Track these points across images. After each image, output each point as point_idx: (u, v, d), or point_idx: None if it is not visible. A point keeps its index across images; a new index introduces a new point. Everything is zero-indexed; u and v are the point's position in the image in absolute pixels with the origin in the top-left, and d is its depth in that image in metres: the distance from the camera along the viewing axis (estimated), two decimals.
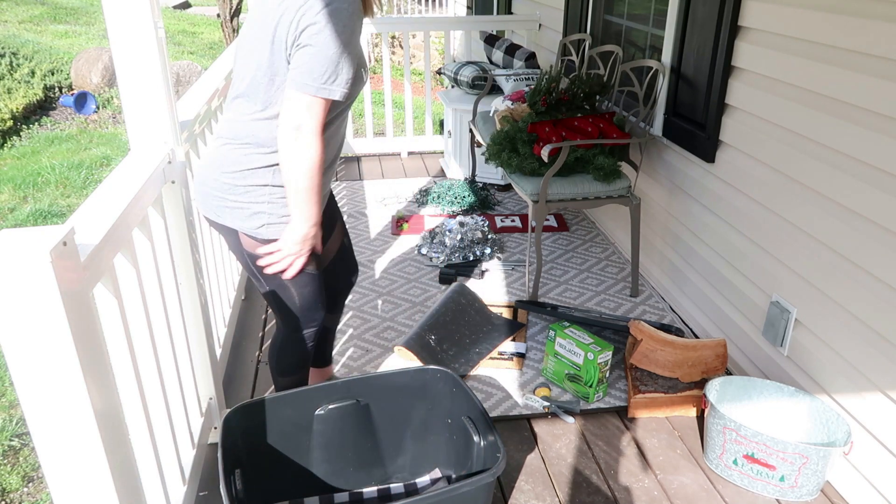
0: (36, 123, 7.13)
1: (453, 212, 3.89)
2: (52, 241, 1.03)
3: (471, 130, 4.00)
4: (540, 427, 2.26)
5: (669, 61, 2.83)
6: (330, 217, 1.98)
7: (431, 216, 3.84)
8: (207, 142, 2.41)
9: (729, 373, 2.55)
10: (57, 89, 7.89)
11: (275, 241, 1.72)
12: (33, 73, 7.98)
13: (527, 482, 2.03)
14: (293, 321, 1.88)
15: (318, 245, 1.75)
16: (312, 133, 1.56)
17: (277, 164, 1.65)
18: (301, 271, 1.75)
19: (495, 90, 4.28)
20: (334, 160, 1.77)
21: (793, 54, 2.13)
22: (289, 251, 1.69)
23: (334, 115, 1.67)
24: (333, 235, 2.03)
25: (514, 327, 2.75)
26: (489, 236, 3.46)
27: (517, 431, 2.24)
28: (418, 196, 4.12)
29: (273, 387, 2.09)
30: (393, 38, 10.19)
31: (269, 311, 2.92)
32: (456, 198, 3.99)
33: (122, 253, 1.44)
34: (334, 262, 2.07)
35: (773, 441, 1.92)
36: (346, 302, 2.86)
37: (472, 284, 3.13)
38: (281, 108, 1.58)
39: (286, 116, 1.56)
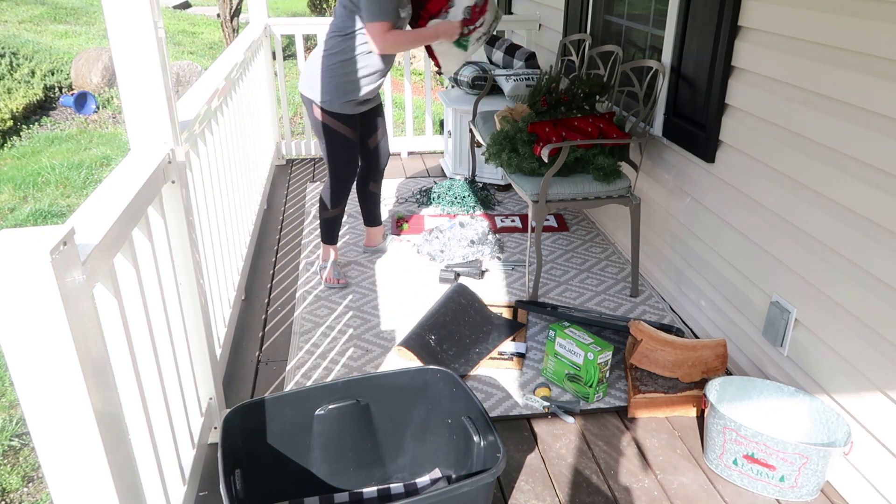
0: (36, 123, 7.13)
1: (453, 212, 3.89)
2: (52, 241, 1.03)
3: (471, 130, 4.00)
4: (540, 427, 2.26)
5: (669, 61, 2.83)
6: (372, 119, 3.01)
7: (431, 216, 3.84)
8: (207, 142, 2.41)
9: (729, 373, 2.55)
10: (57, 89, 7.89)
11: (336, 113, 2.75)
12: (33, 73, 7.99)
13: (527, 482, 2.03)
14: (334, 174, 2.89)
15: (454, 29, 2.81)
16: (382, 37, 2.63)
17: (342, 62, 2.70)
18: (340, 140, 2.80)
19: (495, 90, 4.28)
20: (387, 69, 2.81)
21: (793, 54, 2.13)
22: (446, 32, 2.81)
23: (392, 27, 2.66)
24: (374, 134, 3.05)
25: (514, 327, 2.75)
26: (489, 236, 3.46)
27: (517, 431, 2.24)
28: (418, 196, 4.12)
29: (272, 387, 2.09)
30: None
31: (269, 310, 2.92)
32: (456, 198, 3.99)
33: (122, 253, 1.44)
34: (376, 148, 3.10)
35: (773, 441, 1.92)
36: (347, 302, 2.98)
37: (472, 284, 3.13)
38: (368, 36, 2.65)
39: (370, 38, 2.64)
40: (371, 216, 3.32)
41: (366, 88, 2.78)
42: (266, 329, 2.80)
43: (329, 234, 3.09)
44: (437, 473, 1.99)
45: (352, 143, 2.83)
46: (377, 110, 3.03)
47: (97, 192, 1.46)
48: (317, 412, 1.91)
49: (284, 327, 2.80)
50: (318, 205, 3.04)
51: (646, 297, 3.05)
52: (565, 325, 2.41)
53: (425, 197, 4.05)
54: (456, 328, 2.67)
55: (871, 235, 1.86)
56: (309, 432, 1.93)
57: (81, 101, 7.51)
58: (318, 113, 2.76)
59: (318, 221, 3.10)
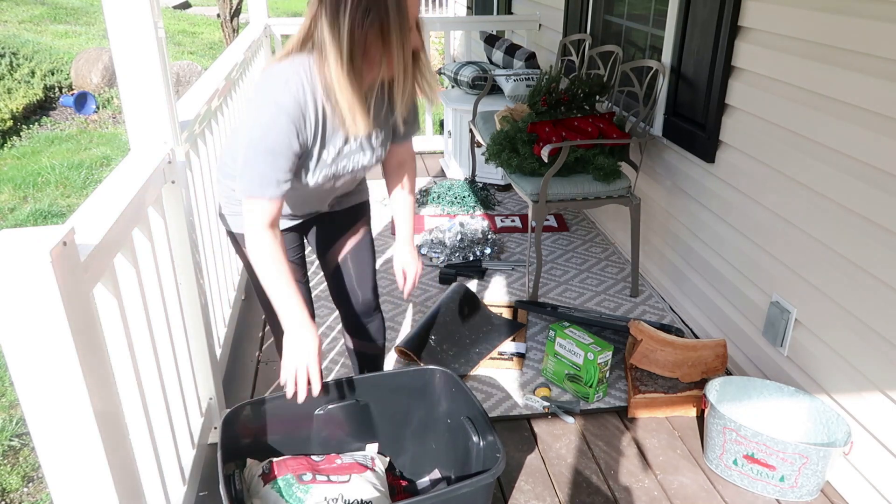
0: (36, 123, 7.13)
1: (453, 212, 3.89)
2: (52, 241, 1.03)
3: (471, 130, 3.99)
4: (540, 427, 2.26)
5: (669, 61, 2.83)
6: (336, 228, 1.88)
7: (431, 216, 3.84)
8: (207, 142, 2.41)
9: (729, 373, 2.55)
10: (57, 89, 7.89)
11: (229, 232, 1.77)
12: (33, 73, 7.98)
13: (527, 482, 2.03)
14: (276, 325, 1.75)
15: (313, 361, 1.53)
16: (255, 228, 1.48)
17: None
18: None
19: (495, 90, 4.28)
20: (308, 200, 1.71)
21: (793, 54, 2.13)
22: (287, 365, 1.52)
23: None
24: (334, 248, 1.89)
25: (514, 327, 2.75)
26: (489, 236, 3.46)
27: (517, 431, 2.24)
28: (418, 196, 4.12)
29: (273, 387, 2.09)
30: None
31: None
32: (456, 198, 3.99)
33: (122, 253, 1.44)
34: (340, 278, 1.92)
35: (773, 441, 1.92)
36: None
37: (472, 284, 3.13)
38: None
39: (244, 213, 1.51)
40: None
41: (307, 207, 1.76)
42: (266, 329, 2.80)
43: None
44: (436, 474, 1.99)
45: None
46: (351, 212, 1.87)
47: (97, 192, 1.46)
48: (316, 412, 1.91)
49: None
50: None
51: (646, 297, 3.05)
52: (565, 325, 2.41)
53: (425, 197, 4.05)
54: (456, 328, 2.67)
55: (871, 235, 1.86)
56: (309, 432, 1.93)
57: (81, 101, 7.51)
58: (231, 241, 1.81)
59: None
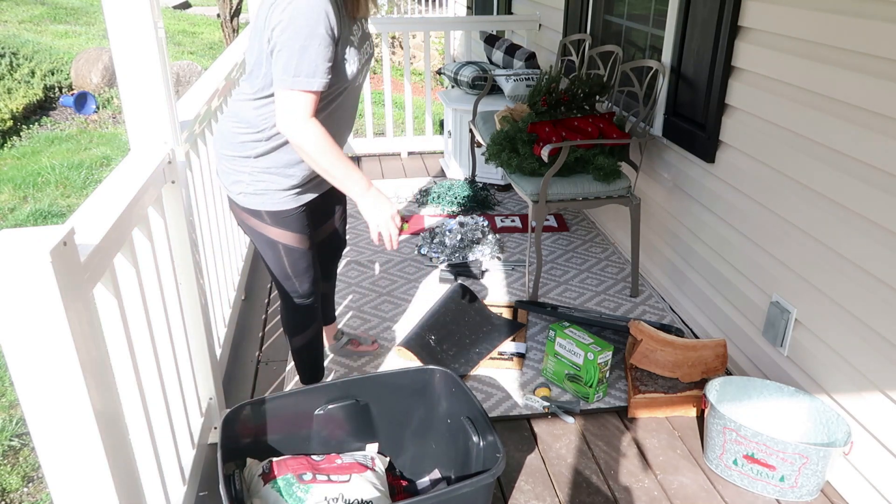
0: (36, 123, 7.13)
1: (453, 212, 3.89)
2: (52, 241, 1.03)
3: (471, 130, 4.00)
4: (540, 427, 2.26)
5: (669, 61, 2.83)
6: (329, 201, 2.10)
7: (431, 216, 3.84)
8: (208, 142, 2.41)
9: (729, 373, 2.55)
10: (57, 89, 7.89)
11: (253, 210, 1.83)
12: (33, 73, 7.99)
13: (527, 482, 2.03)
14: (286, 287, 1.99)
15: (394, 213, 1.79)
16: (304, 122, 1.63)
17: (259, 142, 1.77)
18: (278, 249, 1.88)
19: (495, 90, 4.28)
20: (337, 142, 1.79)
21: (793, 54, 2.13)
22: (375, 223, 1.77)
23: (326, 102, 1.73)
24: (330, 221, 2.18)
25: (514, 327, 2.75)
26: (489, 236, 3.46)
27: (517, 431, 2.24)
28: (418, 196, 4.12)
29: (273, 387, 2.09)
30: (393, 38, 10.19)
31: (269, 310, 2.92)
32: (456, 198, 3.99)
33: (122, 253, 1.44)
34: (327, 240, 2.23)
35: (773, 441, 1.92)
36: (347, 302, 2.97)
37: (472, 284, 3.13)
38: (276, 106, 1.67)
39: (279, 113, 1.65)
40: (324, 314, 2.44)
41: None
42: (266, 329, 2.80)
43: (314, 366, 2.22)
44: (436, 474, 1.99)
45: (303, 252, 1.93)
46: (330, 190, 2.00)
47: (97, 192, 1.46)
48: (316, 412, 1.91)
49: None
50: (284, 326, 2.15)
51: (646, 297, 3.05)
52: (565, 325, 2.41)
53: (425, 197, 4.06)
54: (456, 328, 2.67)
55: (872, 235, 1.86)
56: (309, 432, 1.93)
57: (81, 101, 7.51)
58: (242, 216, 1.88)
59: (294, 355, 2.19)
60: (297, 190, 1.85)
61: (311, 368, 2.22)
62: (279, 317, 2.61)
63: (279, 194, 1.82)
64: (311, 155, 1.67)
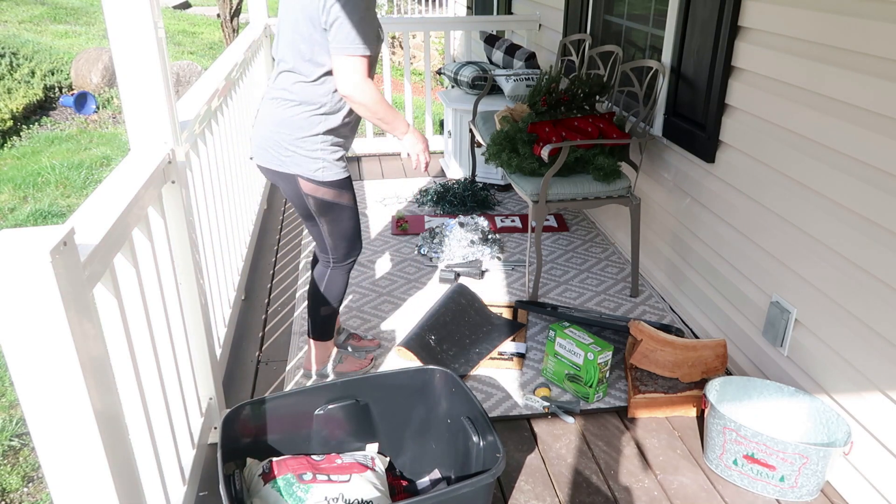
0: (36, 123, 7.13)
1: (453, 212, 3.89)
2: (52, 241, 1.03)
3: (471, 130, 4.00)
4: (540, 427, 2.26)
5: (669, 61, 2.83)
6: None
7: (431, 216, 3.84)
8: (207, 142, 2.41)
9: (729, 373, 2.55)
10: (57, 89, 7.89)
11: (332, 181, 2.10)
12: (33, 73, 7.99)
13: (527, 482, 2.03)
14: (343, 250, 2.25)
15: (426, 146, 2.21)
16: (364, 81, 1.96)
17: (325, 116, 2.04)
18: (344, 210, 2.17)
19: (495, 90, 4.28)
20: None
21: (793, 54, 2.13)
22: (413, 152, 2.20)
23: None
24: None
25: (514, 327, 2.75)
26: (489, 236, 3.46)
27: (517, 431, 2.24)
28: (418, 196, 4.12)
29: (273, 387, 2.09)
30: (393, 38, 10.19)
31: (269, 310, 2.92)
32: (456, 198, 3.99)
33: (122, 253, 1.44)
34: None
35: (773, 441, 1.92)
36: (347, 302, 2.98)
37: (472, 284, 3.13)
38: (335, 74, 1.96)
39: (341, 78, 1.95)
40: None
41: (352, 135, 2.18)
42: (266, 329, 2.80)
43: (330, 328, 2.40)
44: (436, 474, 1.99)
45: (356, 210, 2.23)
46: None
47: (97, 192, 1.46)
48: (316, 412, 1.91)
49: (284, 327, 2.80)
50: (313, 295, 2.33)
51: (646, 297, 3.05)
52: (565, 325, 2.41)
53: (425, 197, 4.06)
54: (456, 328, 2.67)
55: (871, 235, 1.86)
56: (309, 432, 1.93)
57: (81, 101, 7.51)
58: (309, 188, 2.10)
59: (316, 316, 2.35)
60: (345, 162, 2.15)
61: (331, 328, 2.40)
62: (303, 303, 2.66)
63: (339, 164, 2.11)
64: (371, 108, 2.00)
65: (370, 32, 1.94)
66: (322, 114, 2.03)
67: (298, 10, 1.95)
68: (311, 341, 2.38)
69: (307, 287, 2.47)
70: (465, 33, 5.32)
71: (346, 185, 2.14)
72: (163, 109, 1.76)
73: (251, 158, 2.19)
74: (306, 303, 2.38)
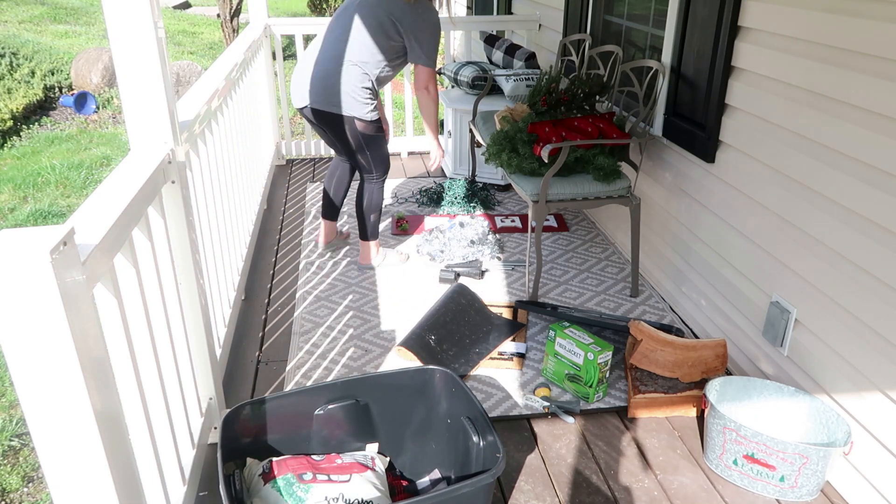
0: (36, 123, 7.13)
1: (453, 212, 3.89)
2: (52, 241, 1.03)
3: (471, 130, 4.00)
4: (540, 427, 2.26)
5: (669, 61, 2.83)
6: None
7: (431, 216, 3.84)
8: (207, 142, 2.41)
9: (729, 373, 2.55)
10: (57, 89, 7.89)
11: (370, 121, 2.91)
12: (33, 73, 7.99)
13: (527, 482, 2.03)
14: (382, 168, 3.07)
15: (443, 152, 3.41)
16: (434, 85, 2.94)
17: (372, 80, 2.87)
18: (382, 140, 3.01)
19: (495, 90, 4.28)
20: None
21: (793, 54, 2.13)
22: (437, 153, 3.15)
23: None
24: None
25: (514, 327, 2.75)
26: (489, 236, 3.46)
27: (517, 431, 2.24)
28: (418, 196, 4.12)
29: (273, 387, 2.09)
30: None
31: (269, 310, 2.92)
32: (456, 198, 3.99)
33: (122, 253, 1.44)
34: None
35: (773, 441, 1.92)
36: (347, 302, 3.00)
37: (472, 284, 3.13)
38: (416, 75, 2.91)
39: (421, 79, 2.92)
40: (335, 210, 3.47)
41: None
42: (266, 329, 2.80)
43: (376, 229, 3.23)
44: (436, 474, 1.99)
45: (386, 141, 3.08)
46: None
47: (97, 192, 1.46)
48: (316, 412, 1.92)
49: (284, 327, 2.81)
50: (363, 206, 3.13)
51: (646, 297, 3.05)
52: (565, 325, 2.41)
53: (425, 197, 4.06)
54: (456, 328, 2.67)
55: (872, 235, 1.86)
56: (309, 432, 1.93)
57: (81, 101, 7.51)
58: (361, 126, 2.94)
59: (367, 222, 3.16)
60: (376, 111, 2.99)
61: (377, 229, 3.20)
62: (359, 206, 3.23)
63: (375, 111, 2.94)
64: (430, 105, 2.99)
65: (437, 51, 2.90)
66: (372, 79, 2.89)
67: (375, 25, 2.80)
68: (364, 242, 3.21)
69: (353, 203, 3.80)
70: (465, 33, 5.32)
71: (379, 124, 2.98)
72: (163, 109, 1.76)
73: (302, 108, 2.97)
74: (356, 214, 3.24)
